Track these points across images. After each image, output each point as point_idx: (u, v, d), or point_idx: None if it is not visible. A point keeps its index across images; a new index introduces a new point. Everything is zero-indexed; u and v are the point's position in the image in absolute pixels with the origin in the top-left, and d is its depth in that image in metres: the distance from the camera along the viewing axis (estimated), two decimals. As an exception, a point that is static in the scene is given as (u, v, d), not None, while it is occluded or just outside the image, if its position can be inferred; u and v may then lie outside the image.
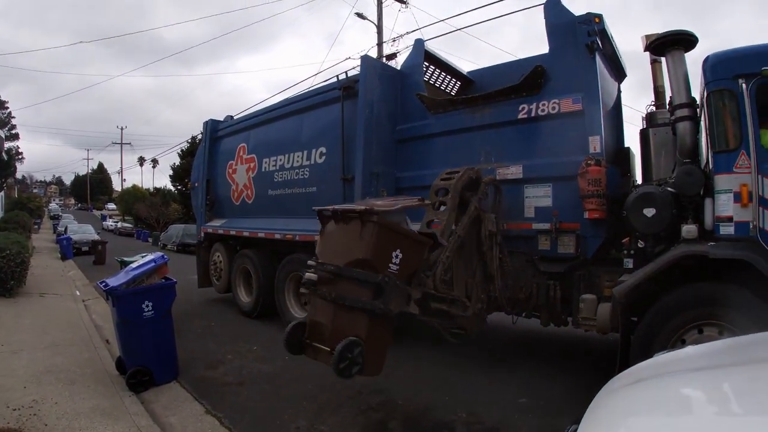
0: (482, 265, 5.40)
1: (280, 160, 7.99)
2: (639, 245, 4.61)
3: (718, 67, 4.10)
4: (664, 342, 3.97)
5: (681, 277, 4.16)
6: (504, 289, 5.49)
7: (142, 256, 6.14)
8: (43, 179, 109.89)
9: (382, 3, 16.96)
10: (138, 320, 5.09)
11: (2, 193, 32.64)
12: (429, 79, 7.27)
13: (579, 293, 5.09)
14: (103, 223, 50.65)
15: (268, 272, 8.23)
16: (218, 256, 9.89)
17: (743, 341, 2.41)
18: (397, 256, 3.86)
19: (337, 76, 7.05)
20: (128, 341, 5.19)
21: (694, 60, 4.71)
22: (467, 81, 7.66)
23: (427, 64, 7.06)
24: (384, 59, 15.07)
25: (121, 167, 73.14)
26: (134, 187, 64.77)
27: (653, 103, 5.81)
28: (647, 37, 5.14)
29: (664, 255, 4.20)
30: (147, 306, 5.13)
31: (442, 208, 5.06)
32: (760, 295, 3.71)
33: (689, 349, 2.49)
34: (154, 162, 75.04)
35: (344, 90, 6.80)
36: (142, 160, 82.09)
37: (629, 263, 4.65)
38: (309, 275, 4.12)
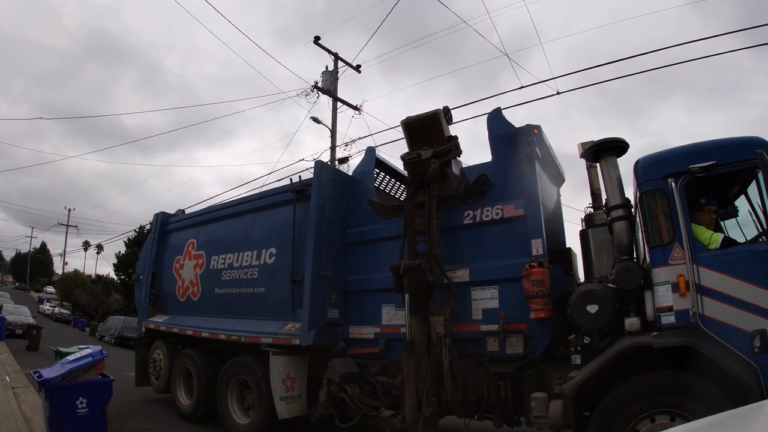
0: (432, 367, 5.36)
1: (230, 258, 7.91)
2: (585, 341, 4.69)
3: (649, 169, 4.48)
4: None
5: (629, 368, 4.24)
6: (455, 391, 5.42)
7: (80, 348, 5.98)
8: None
9: (336, 108, 17.73)
10: (71, 417, 4.90)
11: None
12: (379, 185, 7.56)
13: (530, 392, 5.08)
14: (40, 306, 47.29)
15: (210, 374, 7.83)
16: (158, 354, 9.38)
17: (695, 426, 2.44)
18: None
19: (290, 178, 7.23)
20: None
21: (626, 162, 5.09)
22: (416, 186, 7.98)
23: (377, 170, 7.38)
24: (337, 162, 15.63)
25: (65, 250, 69.60)
26: (76, 272, 61.57)
27: (591, 205, 6.09)
28: (582, 144, 5.54)
29: (610, 349, 4.33)
30: (81, 402, 4.96)
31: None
32: (706, 379, 3.83)
33: None
34: (99, 248, 72.01)
35: (297, 193, 6.95)
36: (87, 245, 78.62)
37: (576, 359, 4.71)
38: None
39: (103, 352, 5.58)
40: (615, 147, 5.15)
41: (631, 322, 4.34)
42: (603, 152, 5.17)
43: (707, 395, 3.78)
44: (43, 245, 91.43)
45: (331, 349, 6.39)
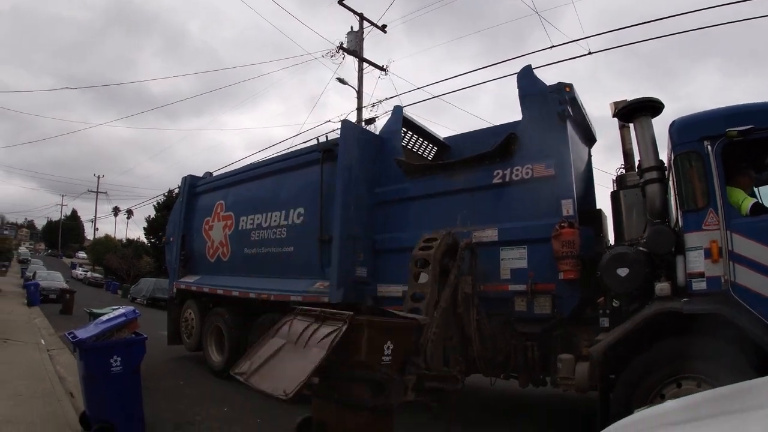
0: (459, 327, 5.40)
1: (258, 218, 8.00)
2: (614, 304, 4.67)
3: (684, 130, 4.33)
4: (643, 398, 4.00)
5: (657, 333, 4.22)
6: (482, 351, 5.47)
7: (113, 309, 5.95)
8: (14, 221, 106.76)
9: (362, 69, 17.50)
10: (105, 375, 4.89)
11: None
12: (407, 144, 7.49)
13: (557, 353, 5.10)
14: (73, 271, 49.03)
15: (241, 332, 8.04)
16: (190, 313, 9.64)
17: (722, 393, 2.42)
18: (389, 347, 3.91)
19: (317, 138, 7.22)
20: (94, 396, 4.97)
21: (661, 124, 4.95)
22: (443, 146, 7.91)
23: (405, 129, 7.30)
24: (363, 123, 15.45)
25: (95, 216, 71.37)
26: (107, 237, 63.29)
27: (623, 166, 6.01)
28: (615, 104, 5.41)
29: (639, 313, 4.28)
30: (115, 361, 4.94)
31: (422, 276, 5.13)
32: (734, 347, 3.79)
33: (669, 404, 2.49)
34: (129, 213, 73.68)
35: (324, 153, 6.94)
36: (116, 211, 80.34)
37: (605, 322, 4.69)
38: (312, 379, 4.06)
39: (136, 311, 5.58)
40: (650, 107, 4.98)
41: (662, 287, 4.28)
42: (637, 112, 5.01)
43: (734, 364, 3.73)
44: (74, 212, 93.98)
45: (359, 307, 6.45)
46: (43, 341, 10.66)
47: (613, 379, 4.37)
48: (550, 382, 5.38)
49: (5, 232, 79.88)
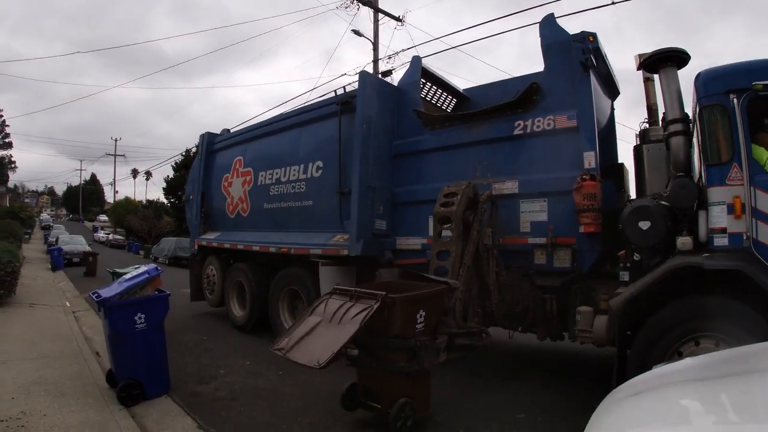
0: (479, 279, 5.42)
1: (277, 173, 8.01)
2: (635, 258, 4.63)
3: (710, 83, 4.19)
4: (661, 354, 4.01)
5: (677, 289, 4.19)
6: (500, 303, 5.51)
7: (135, 268, 6.02)
8: (35, 189, 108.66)
9: (378, 20, 17.05)
10: (130, 332, 4.99)
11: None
12: (425, 96, 7.35)
13: (575, 307, 5.12)
14: (95, 234, 50.14)
15: (262, 286, 8.20)
16: (211, 270, 9.83)
17: (739, 352, 2.44)
18: (421, 315, 4.23)
19: (335, 91, 7.13)
20: (119, 354, 5.09)
21: (686, 77, 4.80)
22: (463, 98, 7.76)
23: (423, 80, 7.16)
24: (380, 76, 15.18)
25: (114, 179, 72.60)
26: (127, 199, 64.08)
27: (646, 120, 5.89)
28: (640, 56, 5.23)
29: (660, 267, 4.24)
30: (139, 318, 5.03)
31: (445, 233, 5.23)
32: (754, 306, 3.76)
33: (687, 361, 2.51)
34: (148, 174, 74.56)
35: (342, 105, 6.85)
36: (135, 173, 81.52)
37: (625, 276, 4.67)
38: (351, 352, 4.39)
39: (159, 268, 5.64)
40: (676, 57, 4.79)
41: (683, 242, 4.22)
42: (663, 62, 4.82)
43: (754, 323, 3.70)
44: (93, 176, 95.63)
45: (378, 260, 6.52)
46: (68, 303, 10.96)
47: (631, 335, 4.37)
48: (568, 336, 5.40)
49: (26, 200, 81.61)
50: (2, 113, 53.80)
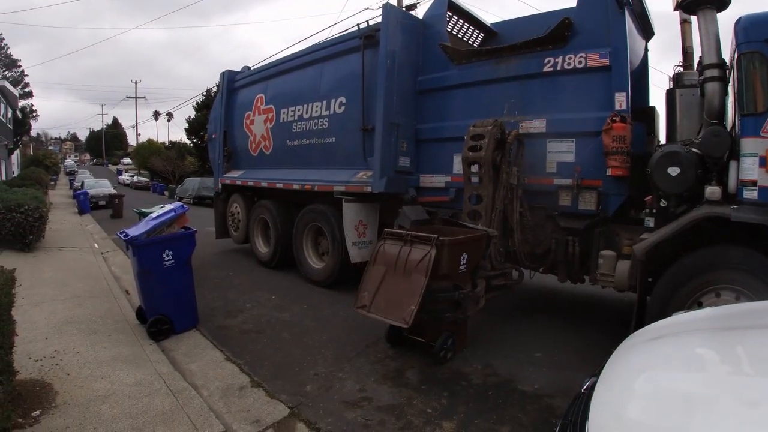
0: (503, 218, 5.41)
1: (299, 110, 7.92)
2: (661, 204, 4.55)
3: (751, 29, 3.99)
4: (681, 303, 4.02)
5: (701, 239, 4.15)
6: (523, 243, 5.52)
7: (161, 207, 6.10)
8: (57, 136, 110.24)
9: (402, -51, 16.22)
10: (158, 269, 5.10)
11: (18, 150, 32.87)
12: (452, 30, 7.08)
13: (598, 250, 5.11)
14: (119, 177, 50.95)
15: (286, 223, 8.33)
16: (236, 207, 10.00)
17: (760, 306, 2.46)
18: (464, 258, 4.62)
19: (358, 24, 6.88)
20: (148, 290, 5.21)
21: (725, 22, 4.56)
22: (491, 33, 7.46)
23: (450, 14, 6.86)
24: (404, 8, 14.61)
25: (136, 121, 73.48)
26: (149, 141, 64.51)
27: (681, 63, 5.69)
28: None
29: (687, 215, 4.17)
30: (167, 255, 5.14)
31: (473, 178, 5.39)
32: None
33: (707, 311, 2.55)
34: (169, 116, 75.04)
35: (365, 39, 6.66)
36: (156, 114, 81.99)
37: (650, 222, 4.61)
38: None
39: (184, 206, 5.71)
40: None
41: (712, 191, 4.12)
42: (701, 4, 4.56)
43: None
44: (115, 120, 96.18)
45: (401, 197, 6.53)
46: (96, 245, 11.25)
47: (652, 282, 4.37)
48: (588, 279, 5.41)
49: (50, 148, 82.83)
50: (20, 64, 53.76)
